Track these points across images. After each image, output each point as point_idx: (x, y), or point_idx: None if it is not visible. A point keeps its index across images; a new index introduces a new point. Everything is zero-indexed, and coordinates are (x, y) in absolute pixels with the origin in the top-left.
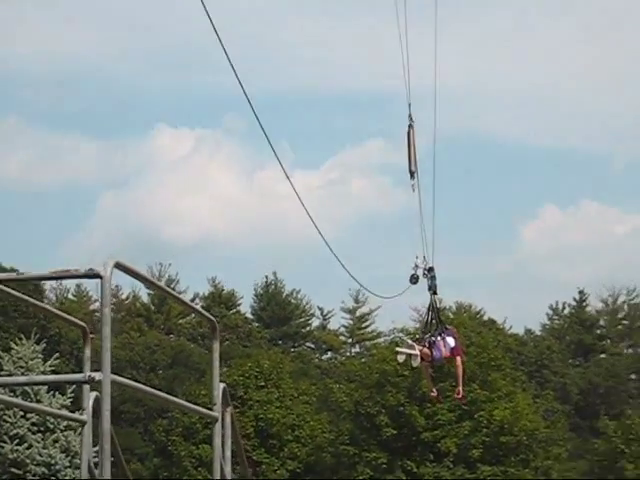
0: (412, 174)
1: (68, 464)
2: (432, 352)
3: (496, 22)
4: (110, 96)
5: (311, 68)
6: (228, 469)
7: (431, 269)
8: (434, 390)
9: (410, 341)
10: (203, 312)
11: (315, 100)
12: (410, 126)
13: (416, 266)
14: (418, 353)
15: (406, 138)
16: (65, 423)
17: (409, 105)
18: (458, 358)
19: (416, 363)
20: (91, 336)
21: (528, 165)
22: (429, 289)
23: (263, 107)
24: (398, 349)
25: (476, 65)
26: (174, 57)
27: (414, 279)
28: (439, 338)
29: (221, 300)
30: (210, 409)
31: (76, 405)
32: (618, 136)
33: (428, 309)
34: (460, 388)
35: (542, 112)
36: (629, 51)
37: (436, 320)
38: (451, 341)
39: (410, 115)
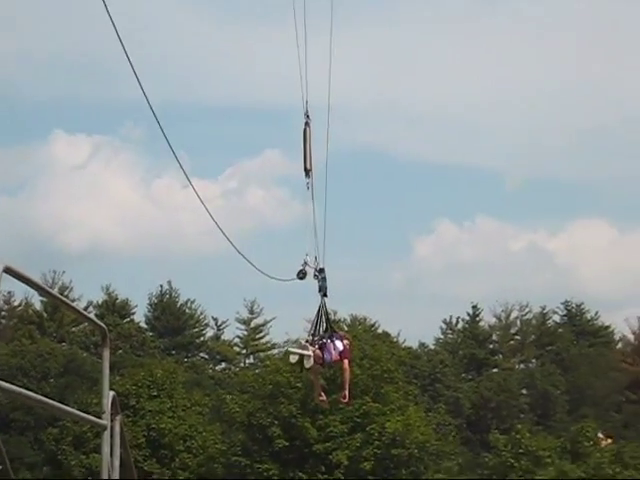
0: (307, 172)
1: None
2: (323, 354)
3: (400, 38)
4: (6, 101)
5: (210, 77)
6: (116, 477)
7: (322, 270)
8: (322, 394)
9: (303, 342)
10: (94, 319)
11: (213, 110)
12: (306, 124)
13: (305, 263)
14: (311, 354)
15: (302, 135)
16: None
17: (306, 102)
18: (345, 361)
19: (309, 364)
20: None
21: (424, 180)
22: (319, 290)
23: (160, 115)
24: (291, 349)
25: (377, 80)
26: (72, 63)
27: (302, 274)
28: (329, 341)
29: (115, 309)
30: (99, 417)
31: None
32: (513, 154)
33: (318, 311)
34: (346, 392)
35: (439, 128)
36: (527, 72)
37: (326, 323)
38: (339, 345)
39: (307, 113)
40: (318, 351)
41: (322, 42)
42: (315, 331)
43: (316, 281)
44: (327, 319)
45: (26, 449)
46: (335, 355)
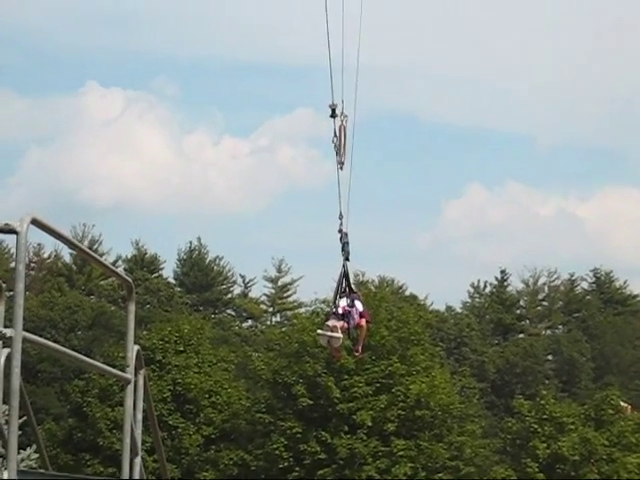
0: (341, 165)
1: None
2: (348, 323)
3: (425, 3)
4: (41, 53)
5: (244, 35)
6: (139, 431)
7: (346, 234)
8: (339, 351)
9: (331, 323)
10: (120, 273)
11: (246, 68)
12: (342, 120)
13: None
14: (341, 336)
15: (340, 133)
16: None
17: (342, 102)
18: (363, 320)
19: (338, 344)
20: (10, 293)
21: (455, 144)
22: (342, 250)
23: (191, 71)
24: (320, 332)
25: (408, 43)
26: (109, 16)
27: (332, 110)
28: (352, 306)
29: (144, 263)
30: (124, 371)
31: None
32: (544, 119)
33: (340, 276)
34: (359, 347)
35: (471, 93)
36: (560, 37)
37: (347, 287)
38: (359, 305)
39: (342, 112)
40: (344, 323)
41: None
42: (337, 296)
43: (341, 246)
44: (348, 283)
45: (52, 400)
46: (357, 319)
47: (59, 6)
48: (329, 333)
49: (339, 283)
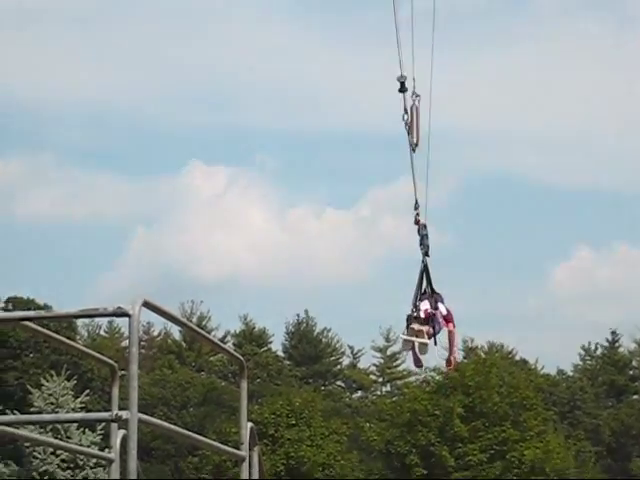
0: (414, 147)
1: None
2: (434, 328)
3: (528, 62)
4: (143, 134)
5: (341, 106)
6: None
7: (424, 226)
8: (420, 358)
9: (416, 326)
10: (231, 351)
11: (345, 138)
12: (414, 100)
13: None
14: (428, 341)
15: (411, 113)
16: (95, 460)
17: (413, 79)
18: (450, 325)
19: (426, 351)
20: (122, 373)
21: (560, 206)
22: (420, 244)
23: (294, 145)
24: (404, 336)
25: (506, 105)
26: (207, 95)
27: (401, 83)
28: (435, 308)
29: (252, 338)
30: (238, 448)
31: (107, 441)
32: None
33: (420, 273)
34: (451, 357)
35: (573, 153)
36: None
37: (429, 286)
38: (443, 308)
39: (414, 91)
40: (430, 329)
41: (447, 70)
42: (417, 297)
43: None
44: (429, 281)
45: (167, 477)
46: (443, 322)
47: (158, 87)
48: (414, 338)
49: (419, 281)
